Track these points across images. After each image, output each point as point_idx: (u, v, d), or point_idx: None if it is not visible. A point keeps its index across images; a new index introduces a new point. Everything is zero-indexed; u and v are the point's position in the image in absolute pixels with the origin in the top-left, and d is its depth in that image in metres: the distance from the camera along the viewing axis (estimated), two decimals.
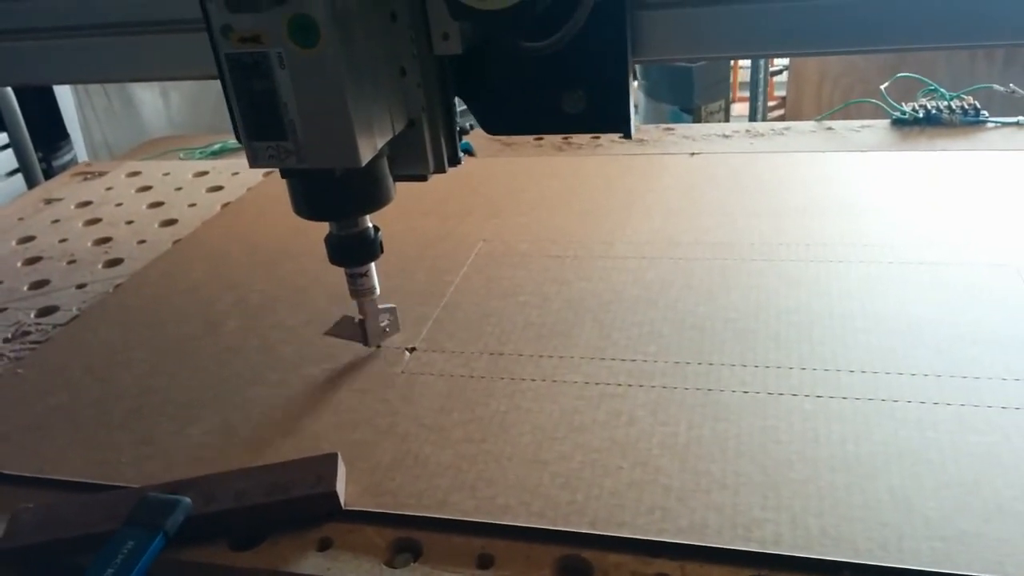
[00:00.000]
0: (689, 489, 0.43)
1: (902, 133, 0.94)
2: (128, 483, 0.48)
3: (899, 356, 0.52)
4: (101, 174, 1.02)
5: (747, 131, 0.99)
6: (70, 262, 0.78)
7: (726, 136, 0.98)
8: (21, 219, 0.91)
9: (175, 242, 0.79)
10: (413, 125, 0.48)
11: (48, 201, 0.95)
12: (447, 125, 0.48)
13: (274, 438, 0.51)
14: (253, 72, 0.41)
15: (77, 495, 0.47)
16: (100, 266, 0.77)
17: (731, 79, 2.91)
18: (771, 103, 2.64)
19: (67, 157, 1.73)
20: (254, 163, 0.44)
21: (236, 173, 0.94)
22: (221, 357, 0.60)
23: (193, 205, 0.88)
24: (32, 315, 0.70)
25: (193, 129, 2.06)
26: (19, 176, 1.33)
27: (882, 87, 0.97)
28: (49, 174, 1.46)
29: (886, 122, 0.97)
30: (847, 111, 1.07)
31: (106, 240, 0.82)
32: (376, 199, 0.49)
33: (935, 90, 0.97)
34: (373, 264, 0.54)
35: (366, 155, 0.43)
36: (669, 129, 1.02)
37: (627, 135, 0.47)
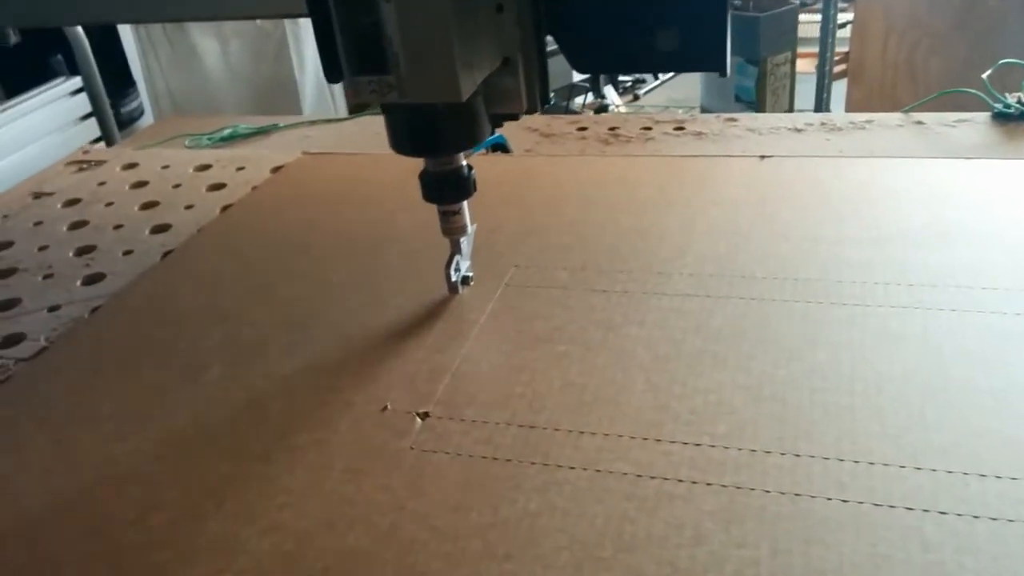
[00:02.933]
0: None
1: (1006, 130, 0.80)
2: None
3: None
4: (99, 163, 0.93)
5: (822, 124, 0.86)
6: (46, 276, 0.69)
7: (798, 130, 0.85)
8: (6, 216, 0.82)
9: (164, 254, 0.69)
10: (508, 63, 0.48)
11: (37, 195, 0.86)
12: (540, 64, 0.49)
13: (250, 537, 0.41)
14: (358, 6, 0.41)
15: None
16: (79, 283, 0.67)
17: (796, 32, 2.78)
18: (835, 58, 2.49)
19: (134, 104, 1.75)
20: (355, 98, 0.44)
21: (241, 168, 0.84)
22: (198, 416, 0.50)
23: (190, 207, 0.78)
24: None
25: (252, 78, 2.11)
26: (92, 120, 1.28)
27: (984, 76, 0.83)
28: (118, 120, 1.46)
29: (986, 115, 0.83)
30: (939, 98, 0.93)
31: (89, 249, 0.72)
32: (473, 135, 0.50)
33: None
34: (466, 203, 0.54)
35: (467, 90, 0.43)
36: (731, 120, 0.90)
37: (723, 73, 0.47)
